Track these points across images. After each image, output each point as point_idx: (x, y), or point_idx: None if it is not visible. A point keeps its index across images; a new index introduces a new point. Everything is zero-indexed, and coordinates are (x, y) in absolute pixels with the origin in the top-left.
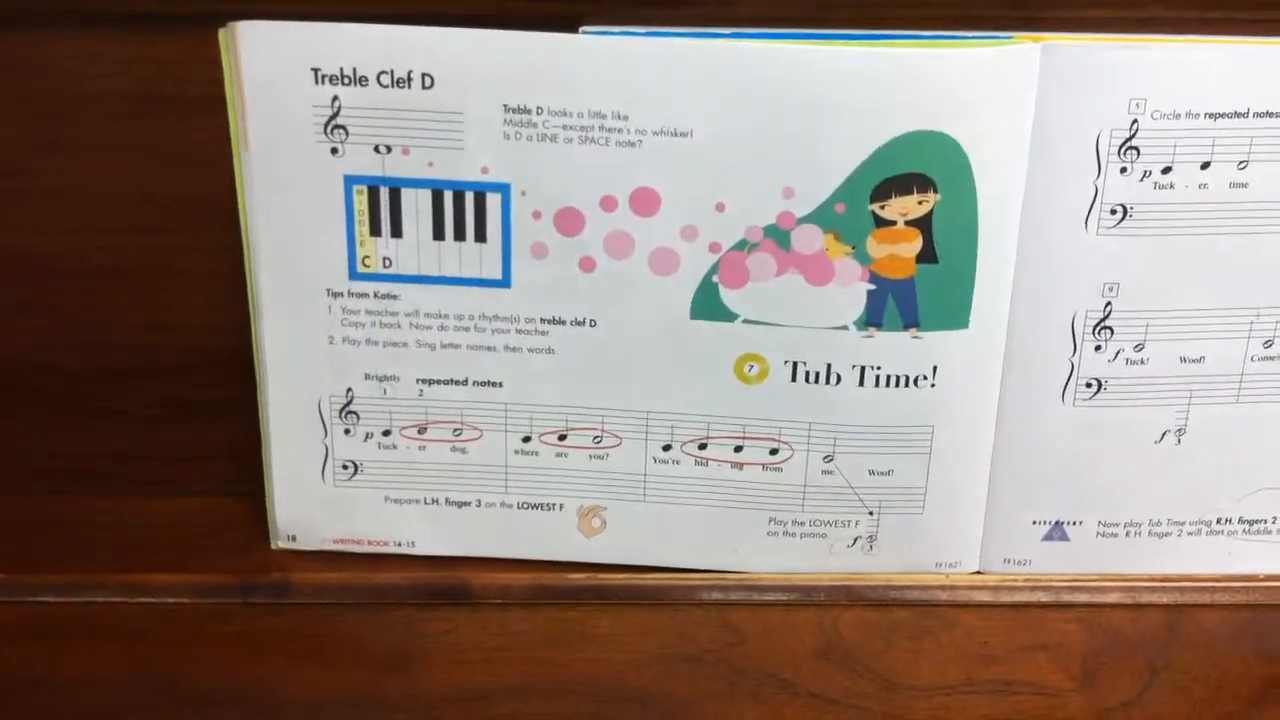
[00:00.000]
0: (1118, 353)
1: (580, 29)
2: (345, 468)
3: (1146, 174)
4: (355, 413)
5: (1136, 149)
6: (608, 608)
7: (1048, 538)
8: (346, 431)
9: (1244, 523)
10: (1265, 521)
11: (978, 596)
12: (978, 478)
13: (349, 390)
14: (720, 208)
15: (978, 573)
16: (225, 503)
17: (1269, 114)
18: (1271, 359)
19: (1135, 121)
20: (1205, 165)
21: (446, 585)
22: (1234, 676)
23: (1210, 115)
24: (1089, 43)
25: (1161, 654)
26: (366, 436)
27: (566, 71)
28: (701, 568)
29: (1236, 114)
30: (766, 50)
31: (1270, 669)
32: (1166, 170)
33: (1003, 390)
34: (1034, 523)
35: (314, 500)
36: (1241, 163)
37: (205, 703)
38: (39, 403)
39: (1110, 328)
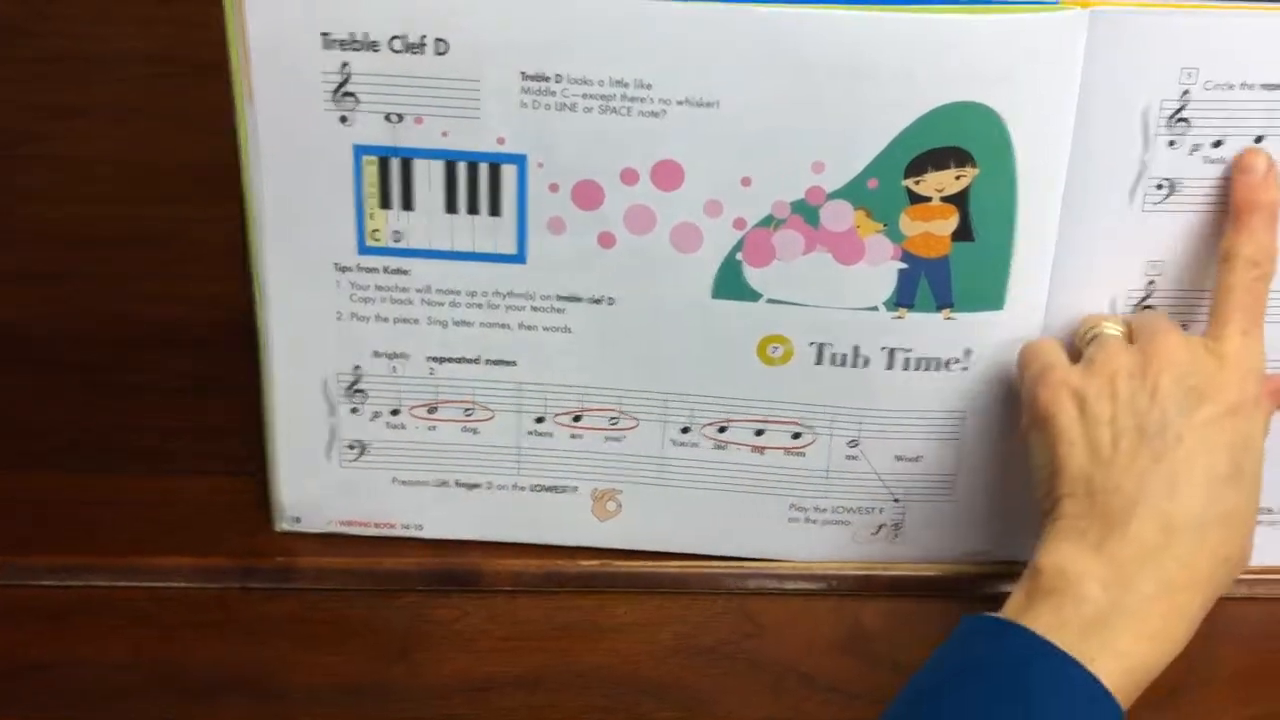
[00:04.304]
0: None
1: None
2: (352, 448)
3: (1196, 147)
4: (363, 391)
5: (1187, 121)
6: (621, 596)
7: None
8: (354, 410)
9: None
10: None
11: (1007, 587)
12: (1008, 465)
13: (357, 368)
14: (746, 182)
15: (1008, 562)
16: (229, 483)
17: None
18: None
19: (1186, 92)
20: (1259, 139)
21: (455, 571)
22: (1275, 673)
23: (1266, 86)
24: (1139, 8)
25: (1198, 649)
26: (374, 416)
27: (587, 37)
28: (719, 554)
29: None
30: (797, 16)
31: None
32: (1218, 144)
33: None
34: None
35: (319, 481)
36: None
37: (207, 689)
38: (38, 375)
39: (1153, 308)
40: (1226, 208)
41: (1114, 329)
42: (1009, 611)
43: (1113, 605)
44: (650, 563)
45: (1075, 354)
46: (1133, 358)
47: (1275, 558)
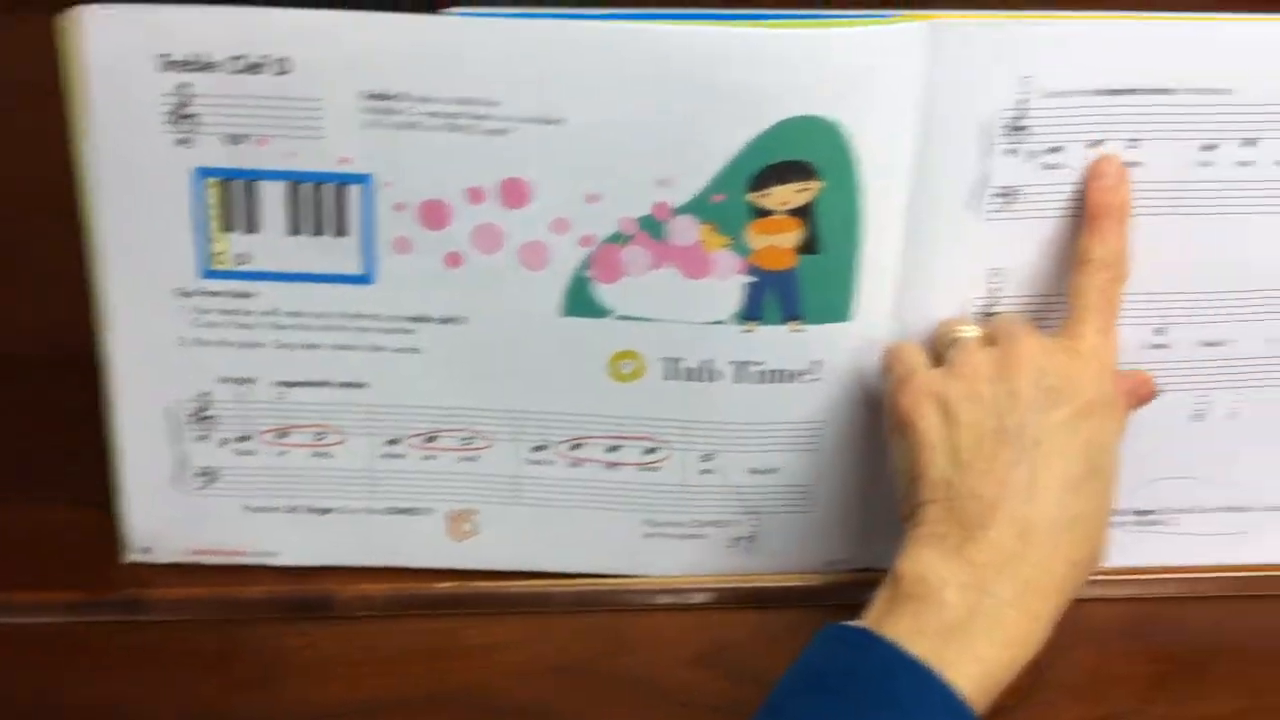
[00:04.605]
0: None
1: (445, 9)
2: (201, 475)
3: (1034, 155)
4: (211, 418)
5: (1025, 129)
6: (480, 617)
7: None
8: (201, 438)
9: (1136, 514)
10: (1156, 513)
11: (869, 595)
12: (866, 473)
13: (203, 394)
14: (593, 198)
15: (867, 570)
16: (79, 513)
17: (1161, 90)
18: (1164, 347)
19: (1024, 100)
20: (1095, 144)
21: (308, 597)
22: (1124, 673)
23: (1101, 92)
24: (977, 19)
25: (1048, 650)
26: (223, 442)
27: (430, 55)
28: (577, 571)
29: (1128, 90)
30: (642, 31)
31: (1161, 666)
32: (1055, 150)
33: None
34: None
35: (168, 510)
36: (1133, 141)
37: None
38: None
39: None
40: (1070, 213)
41: (973, 332)
42: (869, 619)
43: (971, 611)
44: (504, 583)
45: (935, 358)
46: (993, 360)
47: (1124, 559)
